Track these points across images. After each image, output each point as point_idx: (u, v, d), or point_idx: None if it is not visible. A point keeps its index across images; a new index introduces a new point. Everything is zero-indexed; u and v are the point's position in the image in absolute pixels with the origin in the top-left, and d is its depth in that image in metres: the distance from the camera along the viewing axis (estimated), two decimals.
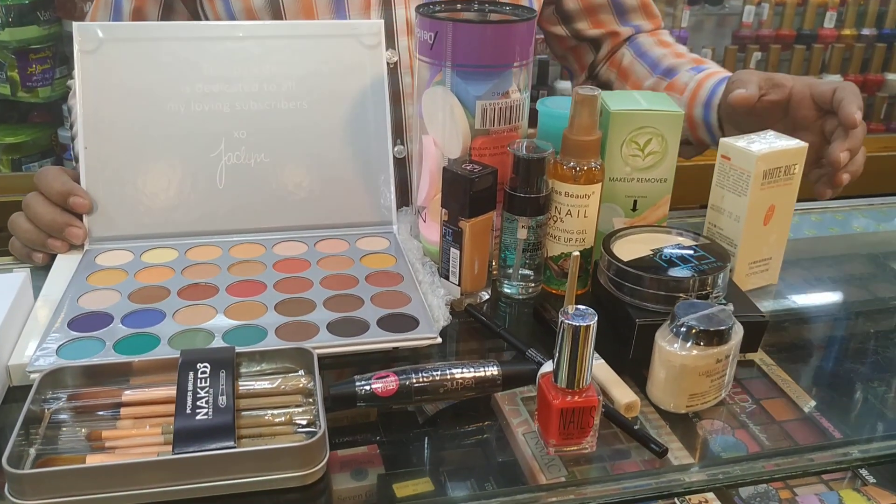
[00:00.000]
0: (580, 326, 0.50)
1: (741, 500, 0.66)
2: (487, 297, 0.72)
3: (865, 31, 2.24)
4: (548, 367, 0.57)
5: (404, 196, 0.89)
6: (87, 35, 0.75)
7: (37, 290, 0.68)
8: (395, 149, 0.88)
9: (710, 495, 0.66)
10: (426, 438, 0.57)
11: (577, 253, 0.54)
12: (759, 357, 0.68)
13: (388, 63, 0.84)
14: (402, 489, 0.54)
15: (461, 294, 0.70)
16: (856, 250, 0.92)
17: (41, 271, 0.72)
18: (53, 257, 0.74)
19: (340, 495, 0.52)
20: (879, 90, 2.28)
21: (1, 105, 1.77)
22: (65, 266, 0.72)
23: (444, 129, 0.70)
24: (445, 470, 0.55)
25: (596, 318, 0.50)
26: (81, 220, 0.74)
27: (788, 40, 2.22)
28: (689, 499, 0.64)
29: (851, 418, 0.62)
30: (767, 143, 0.69)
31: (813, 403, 0.63)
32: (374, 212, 0.80)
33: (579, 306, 0.51)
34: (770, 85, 0.79)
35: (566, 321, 0.50)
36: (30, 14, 1.61)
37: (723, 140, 0.68)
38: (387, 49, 0.84)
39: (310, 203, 0.78)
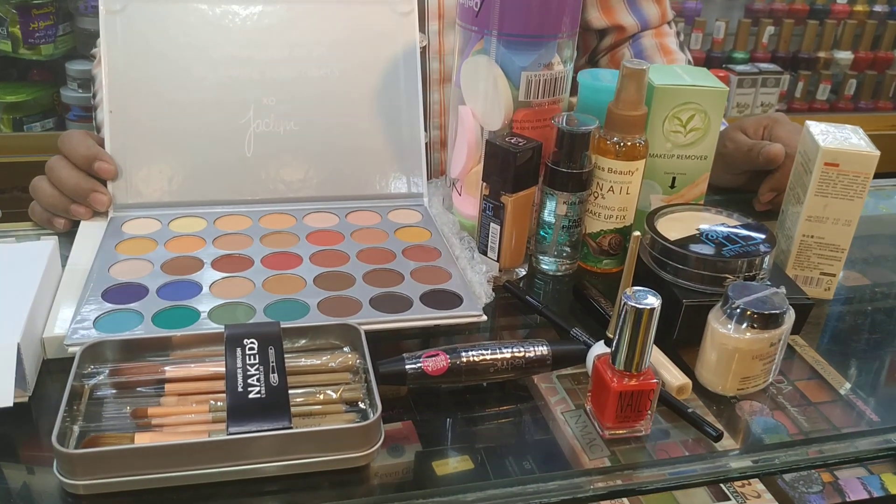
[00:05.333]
0: (643, 309, 0.49)
1: (784, 483, 0.66)
2: (524, 273, 0.71)
3: (878, 8, 2.23)
4: (599, 348, 0.57)
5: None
6: None
7: (62, 258, 0.66)
8: None
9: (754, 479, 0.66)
10: (460, 416, 0.56)
11: (637, 233, 0.53)
12: (792, 339, 0.67)
13: None
14: (442, 467, 0.53)
15: (499, 270, 0.69)
16: (881, 231, 0.92)
17: (63, 238, 0.70)
18: (75, 224, 0.72)
19: (378, 472, 0.51)
20: (889, 68, 2.27)
21: (0, 62, 1.72)
22: (90, 234, 0.70)
23: (486, 101, 0.68)
24: (482, 448, 0.54)
25: (660, 301, 0.49)
26: (106, 185, 0.72)
27: (801, 15, 2.20)
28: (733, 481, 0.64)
29: (887, 401, 0.61)
30: (860, 144, 0.67)
31: (848, 385, 0.63)
32: (405, 183, 0.78)
33: (641, 288, 0.50)
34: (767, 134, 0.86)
35: (629, 303, 0.49)
36: None
37: (825, 148, 0.66)
38: None
39: (339, 173, 0.76)
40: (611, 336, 0.55)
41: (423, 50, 0.84)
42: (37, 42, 1.58)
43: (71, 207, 0.71)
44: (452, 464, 0.53)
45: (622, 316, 0.50)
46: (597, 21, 0.99)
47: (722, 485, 0.65)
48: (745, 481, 0.64)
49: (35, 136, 1.70)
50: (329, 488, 0.49)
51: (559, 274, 0.72)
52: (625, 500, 0.65)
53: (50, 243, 0.63)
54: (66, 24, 1.66)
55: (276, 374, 0.50)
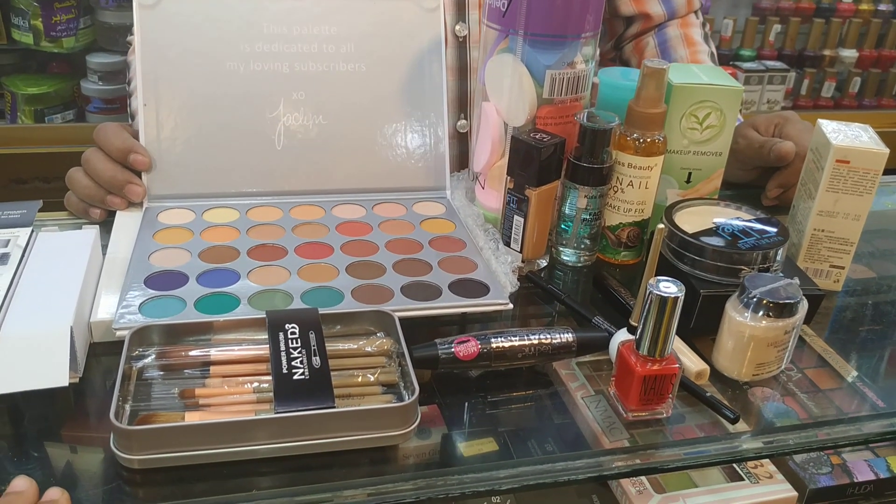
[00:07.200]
0: (668, 297, 0.51)
1: (795, 465, 0.69)
2: (545, 264, 0.74)
3: (883, 7, 2.25)
4: (622, 335, 0.59)
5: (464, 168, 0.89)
6: None
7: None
8: (459, 123, 0.89)
9: (765, 459, 0.68)
10: (483, 400, 0.58)
11: (661, 226, 0.55)
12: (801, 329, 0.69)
13: (457, 36, 0.84)
14: (468, 448, 0.55)
15: (522, 261, 0.71)
16: (886, 226, 0.94)
17: (100, 227, 0.73)
18: (110, 214, 0.74)
19: (409, 452, 0.53)
20: (893, 66, 2.29)
21: (21, 54, 1.74)
22: (126, 223, 0.72)
23: (511, 98, 0.71)
24: (506, 431, 0.57)
25: (683, 291, 0.52)
26: (140, 177, 0.74)
27: (807, 13, 2.22)
28: (746, 462, 0.67)
29: (893, 387, 0.64)
30: (870, 142, 0.70)
31: (854, 373, 0.65)
32: (429, 176, 0.80)
33: (665, 278, 0.53)
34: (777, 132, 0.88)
35: (655, 292, 0.51)
36: None
37: (837, 146, 0.68)
38: (457, 23, 0.84)
39: (366, 166, 0.79)
40: (634, 324, 0.57)
41: (464, 39, 0.87)
42: (58, 35, 1.60)
43: (107, 198, 0.74)
44: (478, 445, 0.55)
45: (647, 304, 0.52)
46: (625, 7, 1.01)
47: (735, 466, 0.68)
48: (758, 463, 0.67)
49: (56, 127, 1.73)
50: (363, 467, 0.51)
51: (579, 265, 0.75)
52: (643, 478, 0.68)
53: (92, 232, 0.65)
54: (87, 17, 1.68)
55: (317, 357, 0.52)
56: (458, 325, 0.65)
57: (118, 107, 1.73)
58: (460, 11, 0.85)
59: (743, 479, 0.67)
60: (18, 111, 1.68)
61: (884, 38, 2.29)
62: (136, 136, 0.75)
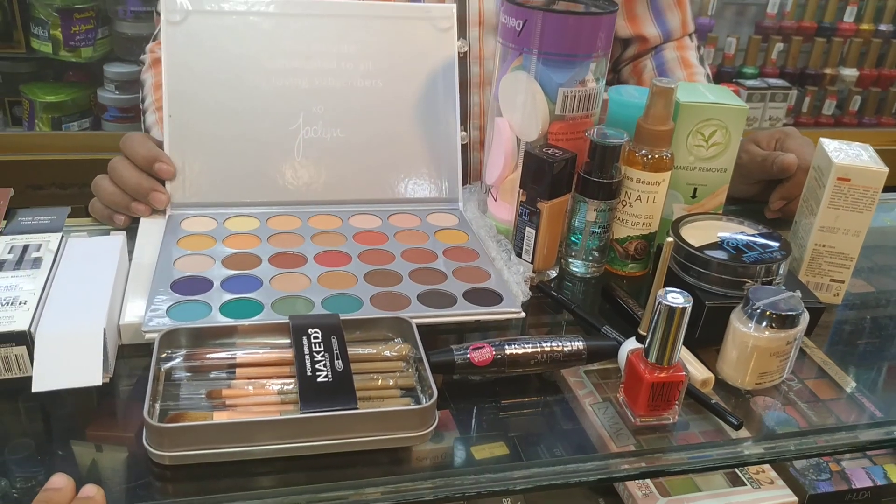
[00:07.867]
0: (676, 308, 0.54)
1: (795, 471, 0.71)
2: (555, 274, 0.76)
3: (883, 27, 2.28)
4: (631, 343, 0.62)
5: (464, 178, 0.92)
6: (173, 6, 0.77)
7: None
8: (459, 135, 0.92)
9: (767, 465, 0.71)
10: (494, 407, 0.60)
11: (670, 239, 0.57)
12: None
13: (458, 52, 0.87)
14: (480, 452, 0.57)
15: (532, 271, 0.74)
16: (885, 242, 0.97)
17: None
18: (134, 221, 0.77)
19: (424, 455, 0.55)
20: (893, 85, 2.33)
21: (39, 63, 1.78)
22: (151, 230, 0.74)
23: (524, 114, 0.73)
24: (516, 436, 0.59)
25: (691, 302, 0.54)
26: (164, 185, 0.77)
27: (809, 32, 2.25)
28: (748, 468, 0.69)
29: (890, 398, 0.66)
30: (870, 161, 0.72)
31: (853, 384, 0.68)
32: (442, 188, 0.83)
33: (674, 289, 0.55)
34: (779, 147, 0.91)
35: (664, 302, 0.54)
36: None
37: (838, 164, 0.71)
38: (458, 39, 0.87)
39: (382, 178, 0.81)
40: (643, 333, 0.60)
41: (465, 55, 0.90)
42: (77, 45, 1.64)
43: (132, 205, 0.76)
44: (489, 449, 0.57)
45: (656, 314, 0.55)
46: (622, 30, 1.03)
47: (738, 471, 0.70)
48: (760, 468, 0.69)
49: (72, 135, 1.76)
50: (382, 466, 0.53)
51: (587, 276, 0.77)
52: (649, 481, 0.70)
53: (120, 238, 0.68)
54: (104, 27, 1.72)
55: (339, 361, 0.55)
56: (469, 332, 0.67)
57: (133, 116, 1.76)
58: (461, 29, 0.88)
59: (745, 484, 0.69)
60: (36, 119, 1.71)
61: (884, 58, 2.32)
62: (160, 146, 0.78)
